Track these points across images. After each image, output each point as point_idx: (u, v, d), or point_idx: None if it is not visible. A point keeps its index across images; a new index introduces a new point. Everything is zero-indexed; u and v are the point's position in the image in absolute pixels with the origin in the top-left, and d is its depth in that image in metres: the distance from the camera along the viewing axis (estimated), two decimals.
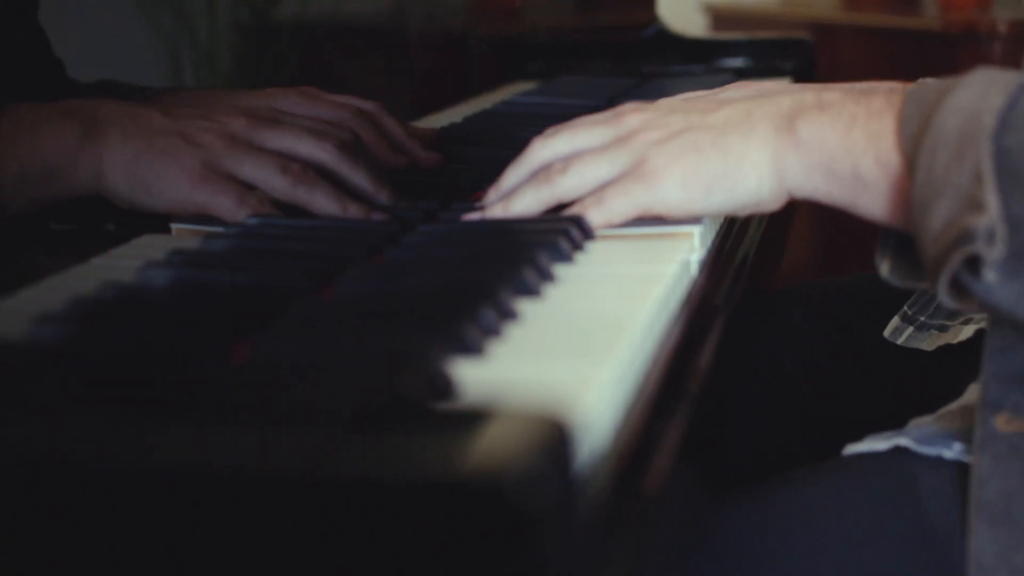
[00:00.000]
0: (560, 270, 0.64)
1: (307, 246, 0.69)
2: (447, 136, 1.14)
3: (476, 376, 0.49)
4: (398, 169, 0.93)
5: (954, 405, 0.73)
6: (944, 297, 0.58)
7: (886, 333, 0.92)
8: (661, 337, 0.58)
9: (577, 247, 0.67)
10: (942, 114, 0.61)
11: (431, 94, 1.40)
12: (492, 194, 0.74)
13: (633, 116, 0.72)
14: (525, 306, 0.58)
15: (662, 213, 0.69)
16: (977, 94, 0.61)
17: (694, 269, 0.68)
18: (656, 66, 1.70)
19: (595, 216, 0.71)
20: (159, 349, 0.51)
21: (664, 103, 0.74)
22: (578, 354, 0.51)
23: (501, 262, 0.62)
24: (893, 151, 0.64)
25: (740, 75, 1.67)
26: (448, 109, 1.38)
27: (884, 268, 0.68)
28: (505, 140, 1.13)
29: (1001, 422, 0.64)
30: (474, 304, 0.54)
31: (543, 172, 0.72)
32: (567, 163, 0.72)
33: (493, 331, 0.53)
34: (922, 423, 0.75)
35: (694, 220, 0.71)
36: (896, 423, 0.74)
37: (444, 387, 0.47)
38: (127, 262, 0.68)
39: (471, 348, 0.51)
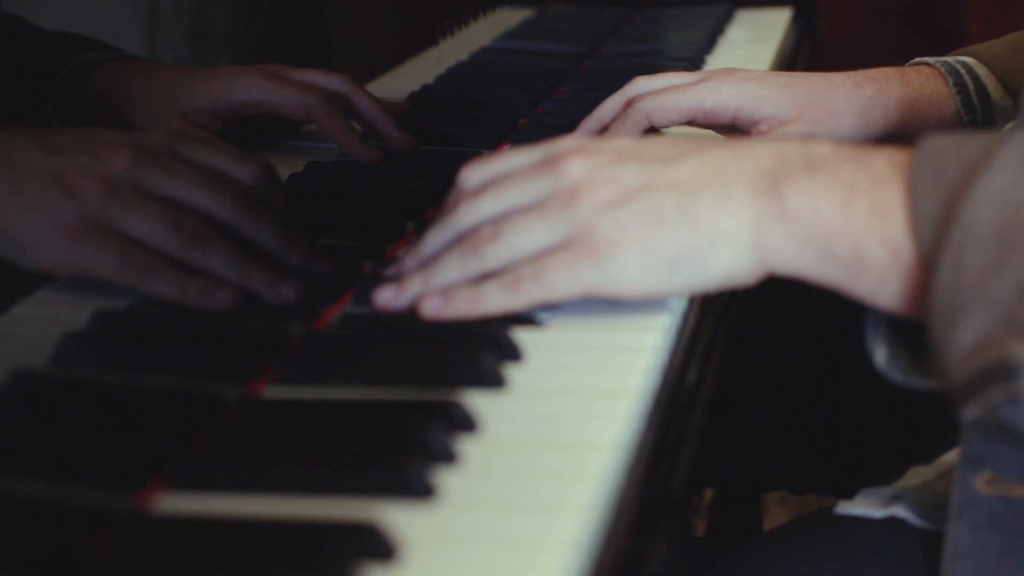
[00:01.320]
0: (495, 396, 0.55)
1: (177, 357, 0.61)
2: (419, 106, 1.08)
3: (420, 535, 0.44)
4: (370, 163, 0.90)
5: (952, 454, 0.67)
6: (971, 417, 0.51)
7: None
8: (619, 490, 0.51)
9: (514, 356, 0.58)
10: (972, 204, 0.52)
11: (418, 23, 1.34)
12: (410, 259, 0.63)
13: (575, 163, 0.60)
14: (464, 445, 0.52)
15: (614, 295, 0.59)
16: (1016, 179, 0.52)
17: (662, 357, 0.59)
18: None
19: (531, 292, 0.59)
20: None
21: (614, 145, 0.62)
22: (521, 531, 0.46)
23: (425, 385, 0.55)
24: (904, 233, 0.55)
25: (736, 3, 1.61)
26: (429, 50, 1.32)
27: (879, 356, 0.58)
28: (480, 109, 1.09)
29: (981, 482, 0.58)
30: (400, 459, 0.49)
31: (470, 239, 0.61)
32: (498, 227, 0.60)
33: (424, 491, 0.48)
34: (920, 475, 0.71)
35: (655, 301, 0.62)
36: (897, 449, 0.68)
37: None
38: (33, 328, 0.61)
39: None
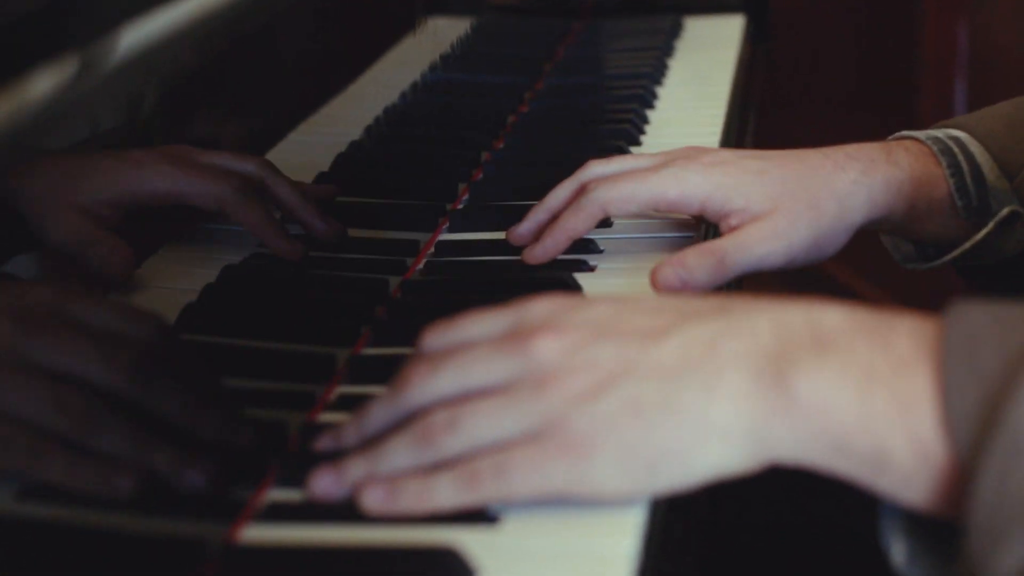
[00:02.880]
0: None
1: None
2: (346, 172, 1.09)
3: None
4: (293, 260, 0.90)
5: None
6: None
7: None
8: None
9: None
10: (1019, 405, 0.49)
11: (340, 51, 1.31)
12: (351, 433, 0.62)
13: (547, 343, 0.58)
14: None
15: (585, 498, 0.57)
16: None
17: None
18: None
19: (490, 490, 0.57)
20: None
21: (591, 315, 0.60)
22: None
23: None
24: (935, 431, 0.52)
25: (682, 10, 1.62)
26: (360, 79, 1.29)
27: (897, 554, 0.55)
28: (414, 178, 1.10)
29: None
30: None
31: (422, 425, 0.59)
32: (455, 414, 0.58)
33: None
34: None
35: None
36: None
37: None
38: None
39: None
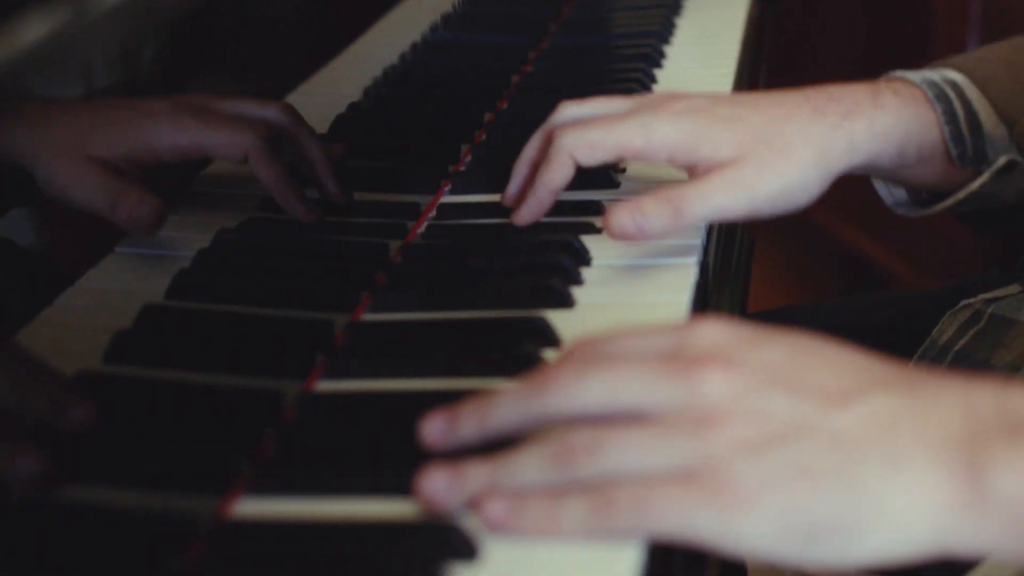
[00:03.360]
0: None
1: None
2: (346, 133, 1.07)
3: None
4: (308, 221, 0.87)
5: None
6: None
7: None
8: None
9: None
10: None
11: (338, 11, 1.31)
12: (472, 425, 0.57)
13: (716, 380, 0.54)
14: None
15: (726, 551, 0.52)
16: None
17: None
18: None
19: (625, 522, 0.52)
20: None
21: (767, 357, 0.55)
22: None
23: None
24: None
25: None
26: (359, 39, 1.29)
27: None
28: (417, 138, 1.07)
29: None
30: None
31: (561, 444, 0.55)
32: (601, 438, 0.54)
33: None
34: None
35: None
36: None
37: None
38: None
39: None
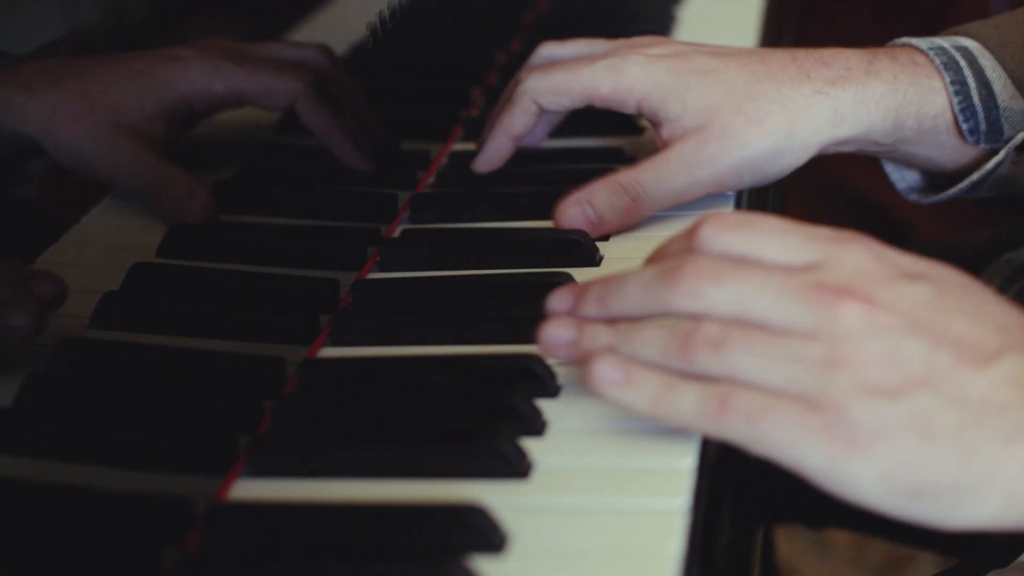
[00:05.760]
0: None
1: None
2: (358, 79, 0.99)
3: None
4: (364, 169, 0.83)
5: None
6: None
7: None
8: None
9: None
10: None
11: None
12: (594, 302, 0.58)
13: (855, 314, 0.53)
14: None
15: (827, 489, 0.53)
16: None
17: None
18: None
19: (735, 429, 0.53)
20: None
21: (907, 295, 0.53)
22: None
23: None
24: None
25: None
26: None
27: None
28: (424, 82, 1.03)
29: None
30: None
31: (688, 330, 0.54)
32: (727, 337, 0.54)
33: None
34: None
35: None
36: None
37: None
38: None
39: None
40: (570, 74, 0.78)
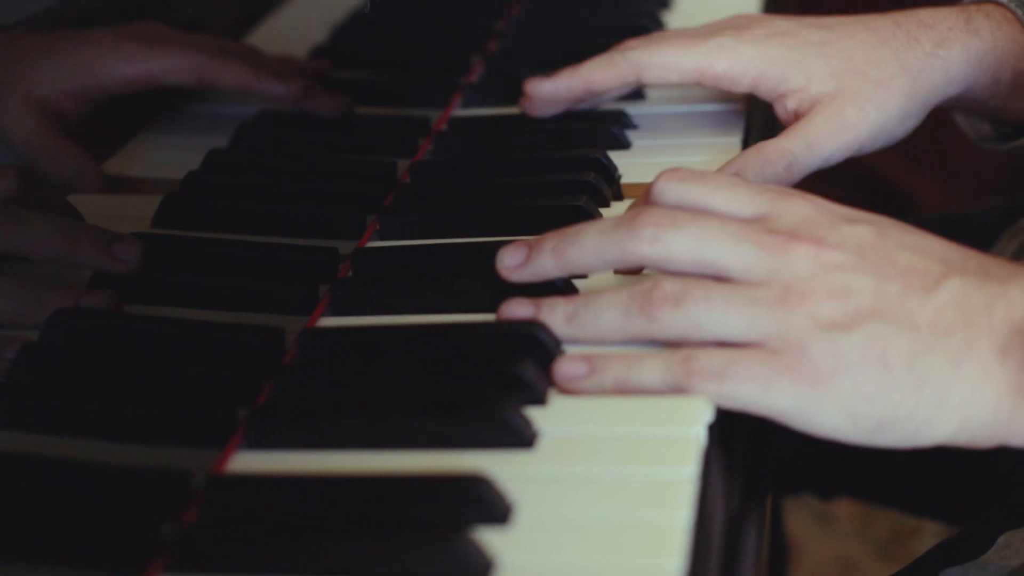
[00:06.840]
0: None
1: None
2: (345, 49, 1.01)
3: None
4: (296, 104, 0.84)
5: None
6: None
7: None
8: None
9: None
10: None
11: None
12: (550, 255, 0.59)
13: (806, 256, 0.55)
14: None
15: (799, 429, 0.55)
16: None
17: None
18: None
19: (703, 388, 0.55)
20: None
21: (851, 235, 0.56)
22: None
23: None
24: None
25: None
26: None
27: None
28: (422, 46, 1.01)
29: None
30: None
31: (645, 289, 0.57)
32: (685, 290, 0.56)
33: None
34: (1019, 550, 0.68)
35: None
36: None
37: None
38: None
39: None
40: (684, 50, 0.78)
